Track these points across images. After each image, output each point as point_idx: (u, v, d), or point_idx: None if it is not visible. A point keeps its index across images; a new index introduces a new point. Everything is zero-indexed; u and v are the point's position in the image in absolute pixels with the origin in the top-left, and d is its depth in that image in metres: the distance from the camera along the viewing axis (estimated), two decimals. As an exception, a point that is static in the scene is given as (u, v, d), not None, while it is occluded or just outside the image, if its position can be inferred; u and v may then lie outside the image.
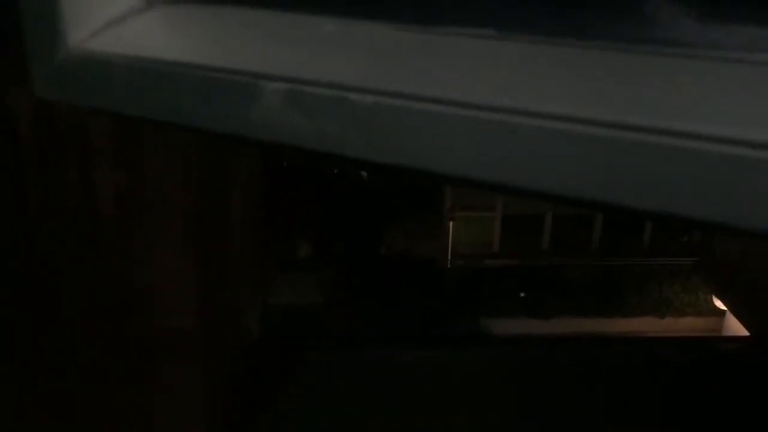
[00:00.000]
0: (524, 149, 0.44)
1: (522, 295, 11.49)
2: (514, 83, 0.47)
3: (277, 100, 0.50)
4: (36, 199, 2.36)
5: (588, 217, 12.04)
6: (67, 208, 2.38)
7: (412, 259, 12.19)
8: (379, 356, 4.17)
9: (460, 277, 11.86)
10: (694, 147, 0.39)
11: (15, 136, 2.24)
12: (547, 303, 11.33)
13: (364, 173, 12.71)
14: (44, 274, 2.50)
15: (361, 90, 0.48)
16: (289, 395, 3.69)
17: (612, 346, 5.37)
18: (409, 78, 0.48)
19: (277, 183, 10.76)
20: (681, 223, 0.43)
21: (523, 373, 3.94)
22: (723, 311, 10.42)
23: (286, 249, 11.91)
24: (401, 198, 12.44)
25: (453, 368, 3.99)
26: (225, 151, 3.01)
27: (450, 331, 10.64)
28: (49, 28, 0.56)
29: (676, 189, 0.40)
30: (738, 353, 4.57)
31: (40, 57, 0.57)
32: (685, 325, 11.34)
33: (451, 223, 12.03)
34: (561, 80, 0.48)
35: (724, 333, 10.74)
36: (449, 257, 12.15)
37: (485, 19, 0.54)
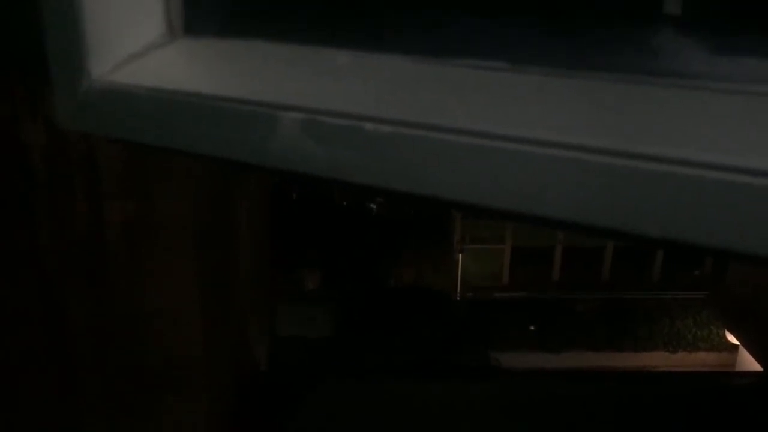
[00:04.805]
0: (537, 177, 0.45)
1: (532, 327, 11.39)
2: (526, 114, 0.48)
3: (294, 130, 0.51)
4: (44, 228, 2.38)
5: (598, 250, 11.98)
6: (75, 237, 2.40)
7: (421, 291, 12.13)
8: (387, 389, 4.14)
9: (469, 310, 11.78)
10: (701, 175, 0.40)
11: (25, 165, 2.27)
12: (557, 336, 11.21)
13: (373, 205, 12.74)
14: (51, 303, 2.51)
15: (376, 120, 0.49)
16: (296, 427, 3.65)
17: (623, 380, 5.30)
18: (424, 108, 0.50)
19: (285, 214, 10.81)
20: (688, 250, 0.44)
21: (533, 407, 3.90)
22: (736, 346, 10.30)
23: (294, 280, 11.90)
24: (410, 230, 12.44)
25: (462, 402, 3.95)
26: (233, 182, 3.03)
27: (459, 363, 10.54)
28: (73, 61, 0.58)
29: (683, 216, 0.41)
30: (752, 388, 4.50)
31: (64, 89, 0.59)
32: (698, 359, 11.18)
33: (460, 255, 12.00)
34: (572, 111, 0.49)
35: (737, 368, 10.59)
36: (458, 289, 12.09)
37: (497, 51, 0.55)
